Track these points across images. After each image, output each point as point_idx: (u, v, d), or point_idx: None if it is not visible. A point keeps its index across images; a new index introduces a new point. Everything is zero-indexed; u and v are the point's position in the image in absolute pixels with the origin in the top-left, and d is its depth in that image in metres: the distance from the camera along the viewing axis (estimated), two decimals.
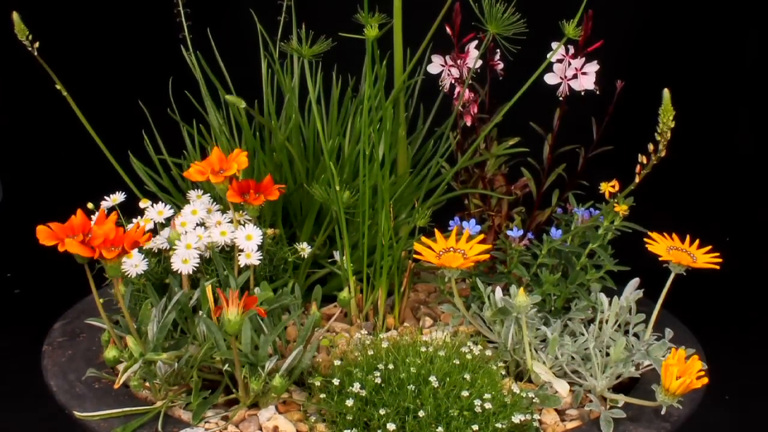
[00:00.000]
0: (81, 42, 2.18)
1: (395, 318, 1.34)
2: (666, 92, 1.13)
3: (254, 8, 1.45)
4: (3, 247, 1.96)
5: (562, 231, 1.29)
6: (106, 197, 1.29)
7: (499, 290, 1.23)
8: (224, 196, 1.23)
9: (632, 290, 1.25)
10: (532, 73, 1.22)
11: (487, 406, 1.05)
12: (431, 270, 1.42)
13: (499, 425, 1.05)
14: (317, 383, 1.10)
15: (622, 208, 1.25)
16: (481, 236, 1.21)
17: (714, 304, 1.79)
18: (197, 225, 1.24)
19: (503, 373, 1.16)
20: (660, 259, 1.20)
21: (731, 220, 2.11)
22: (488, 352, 1.17)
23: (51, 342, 1.30)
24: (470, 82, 1.32)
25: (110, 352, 1.13)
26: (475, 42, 1.33)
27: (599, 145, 1.35)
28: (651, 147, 1.16)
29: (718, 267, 1.19)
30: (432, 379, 1.07)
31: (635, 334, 1.26)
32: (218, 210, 1.27)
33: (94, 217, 1.13)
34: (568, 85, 1.31)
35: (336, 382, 1.09)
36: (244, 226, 1.23)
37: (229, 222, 1.25)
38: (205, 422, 1.11)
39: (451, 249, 1.17)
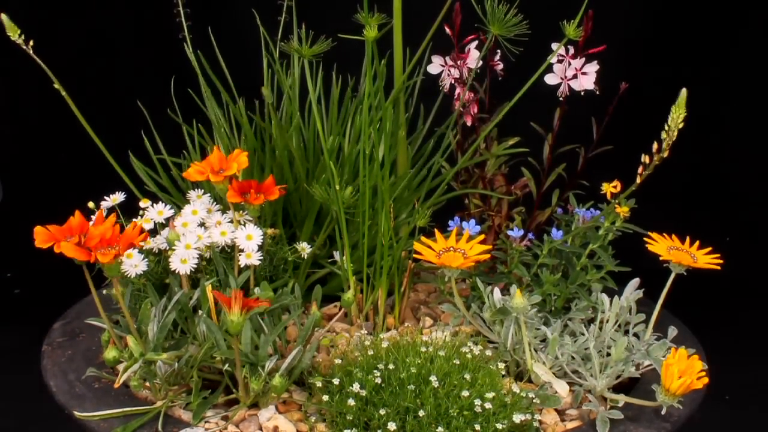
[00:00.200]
0: (81, 42, 2.18)
1: (395, 318, 1.34)
2: (683, 91, 1.12)
3: (254, 8, 1.45)
4: (3, 247, 1.95)
5: (562, 231, 1.29)
6: (106, 197, 1.29)
7: (497, 291, 1.23)
8: (224, 196, 1.23)
9: (632, 290, 1.25)
10: (532, 73, 1.22)
11: (488, 406, 1.05)
12: (431, 270, 1.42)
13: (499, 425, 1.05)
14: (317, 383, 1.10)
15: (623, 210, 1.25)
16: (482, 236, 1.21)
17: (714, 304, 1.79)
18: (197, 225, 1.24)
19: (503, 373, 1.16)
20: (661, 258, 1.20)
21: (731, 220, 2.10)
22: (488, 352, 1.17)
23: (51, 342, 1.30)
24: (468, 81, 1.32)
25: (110, 353, 1.13)
26: (476, 42, 1.33)
27: (599, 145, 1.35)
28: (655, 146, 1.15)
29: (719, 267, 1.19)
30: (432, 379, 1.07)
31: (635, 334, 1.26)
32: (218, 210, 1.27)
33: (93, 218, 1.13)
34: (568, 85, 1.31)
35: (336, 382, 1.09)
36: (244, 226, 1.23)
37: (229, 222, 1.25)
38: (205, 422, 1.11)
39: (451, 249, 1.17)
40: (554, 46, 1.26)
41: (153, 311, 1.14)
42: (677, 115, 1.13)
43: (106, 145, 1.33)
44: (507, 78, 1.36)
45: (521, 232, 1.28)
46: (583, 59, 1.30)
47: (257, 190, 1.24)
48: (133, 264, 1.18)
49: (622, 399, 1.16)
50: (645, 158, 1.17)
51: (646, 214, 1.29)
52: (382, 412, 1.05)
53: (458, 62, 1.34)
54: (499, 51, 1.36)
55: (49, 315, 1.38)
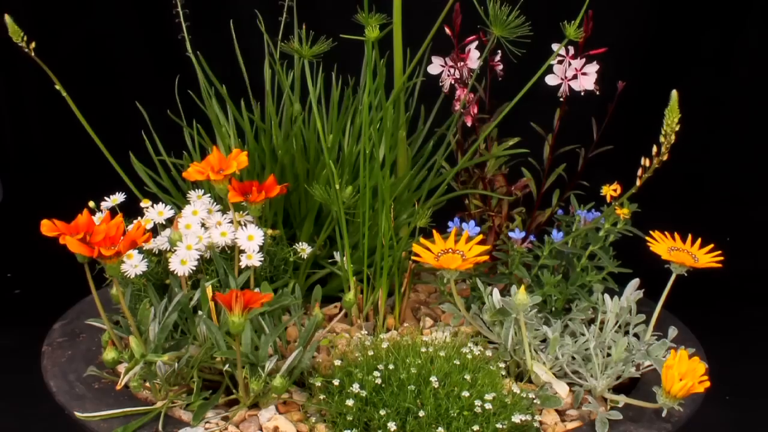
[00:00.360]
0: (81, 42, 2.18)
1: (395, 318, 1.34)
2: (674, 93, 1.13)
3: (255, 9, 1.45)
4: (3, 247, 1.96)
5: (563, 233, 1.29)
6: (106, 198, 1.29)
7: (496, 291, 1.23)
8: (224, 196, 1.23)
9: (632, 290, 1.25)
10: (532, 74, 1.22)
11: (488, 406, 1.05)
12: (431, 270, 1.42)
13: (499, 425, 1.05)
14: (317, 384, 1.10)
15: (624, 212, 1.25)
16: (480, 237, 1.21)
17: (714, 304, 1.79)
18: (199, 226, 1.24)
19: (503, 373, 1.16)
20: (663, 258, 1.20)
21: (731, 220, 2.10)
22: (488, 353, 1.17)
23: (51, 342, 1.30)
24: (471, 82, 1.32)
25: (109, 354, 1.13)
26: (476, 43, 1.33)
27: (599, 146, 1.35)
28: (654, 150, 1.15)
29: (720, 266, 1.18)
30: (432, 379, 1.07)
31: (635, 335, 1.26)
32: (218, 210, 1.27)
33: (95, 217, 1.13)
34: (569, 85, 1.31)
35: (336, 382, 1.09)
36: (244, 227, 1.23)
37: (229, 223, 1.25)
38: (206, 422, 1.11)
39: (450, 250, 1.17)
40: (555, 46, 1.26)
41: (153, 312, 1.14)
42: (671, 119, 1.14)
43: (106, 146, 1.33)
44: (507, 78, 1.36)
45: (522, 234, 1.28)
46: (584, 60, 1.30)
47: (258, 190, 1.24)
48: (133, 264, 1.18)
49: (622, 400, 1.16)
50: (645, 161, 1.17)
51: (646, 215, 1.29)
52: (382, 412, 1.05)
53: (458, 63, 1.34)
54: (499, 51, 1.36)
55: (49, 315, 1.38)
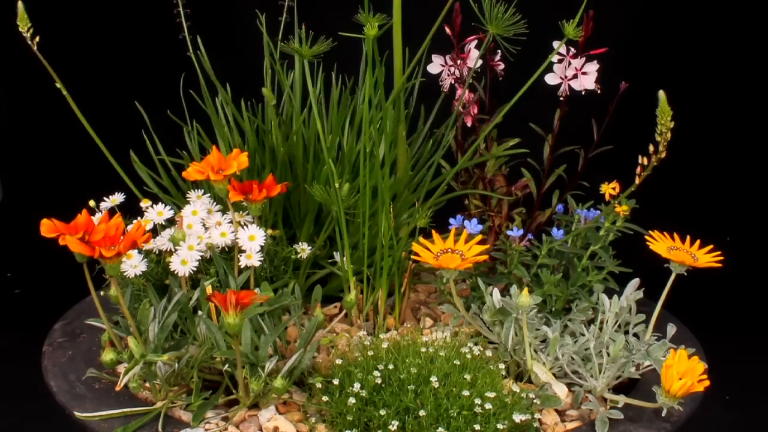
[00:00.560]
0: (81, 42, 2.18)
1: (395, 318, 1.34)
2: (661, 93, 1.13)
3: (255, 9, 1.45)
4: (3, 247, 1.95)
5: (563, 231, 1.29)
6: (105, 198, 1.29)
7: (496, 291, 1.23)
8: (224, 196, 1.23)
9: (632, 290, 1.25)
10: (531, 73, 1.22)
11: (488, 406, 1.05)
12: (431, 270, 1.42)
13: (499, 425, 1.05)
14: (317, 384, 1.10)
15: (623, 209, 1.25)
16: (479, 237, 1.21)
17: (714, 304, 1.79)
18: (200, 226, 1.24)
19: (503, 373, 1.16)
20: (663, 256, 1.20)
21: (731, 220, 2.10)
22: (488, 353, 1.17)
23: (51, 342, 1.30)
24: (470, 82, 1.32)
25: (107, 355, 1.13)
26: (475, 42, 1.33)
27: (599, 146, 1.35)
28: (651, 148, 1.15)
29: (720, 265, 1.18)
30: (432, 379, 1.07)
31: (635, 335, 1.26)
32: (218, 210, 1.27)
33: (95, 217, 1.13)
34: (569, 85, 1.31)
35: (336, 382, 1.09)
36: (245, 227, 1.23)
37: (229, 223, 1.25)
38: (206, 423, 1.11)
39: (449, 250, 1.17)
40: (555, 44, 1.26)
41: (153, 312, 1.14)
42: (664, 119, 1.14)
43: (106, 145, 1.33)
44: (507, 78, 1.36)
45: (521, 232, 1.28)
46: (584, 59, 1.30)
47: (259, 189, 1.24)
48: (133, 264, 1.18)
49: (622, 400, 1.16)
50: (643, 160, 1.17)
51: (646, 214, 1.29)
52: (382, 412, 1.05)
53: (458, 62, 1.34)
54: (499, 51, 1.36)
55: (49, 315, 1.38)
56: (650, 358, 1.17)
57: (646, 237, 1.21)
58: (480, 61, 1.32)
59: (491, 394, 1.07)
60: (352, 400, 1.05)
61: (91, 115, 1.33)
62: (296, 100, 1.42)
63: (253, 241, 1.21)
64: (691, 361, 1.08)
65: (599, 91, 1.31)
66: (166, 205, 1.27)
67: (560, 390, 1.17)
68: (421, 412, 1.04)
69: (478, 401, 1.05)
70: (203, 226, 1.24)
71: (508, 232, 1.28)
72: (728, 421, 1.51)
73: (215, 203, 1.28)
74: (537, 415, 1.11)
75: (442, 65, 1.35)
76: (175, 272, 1.18)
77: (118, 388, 1.14)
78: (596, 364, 1.17)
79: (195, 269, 1.18)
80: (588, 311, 1.26)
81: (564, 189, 1.37)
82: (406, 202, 1.39)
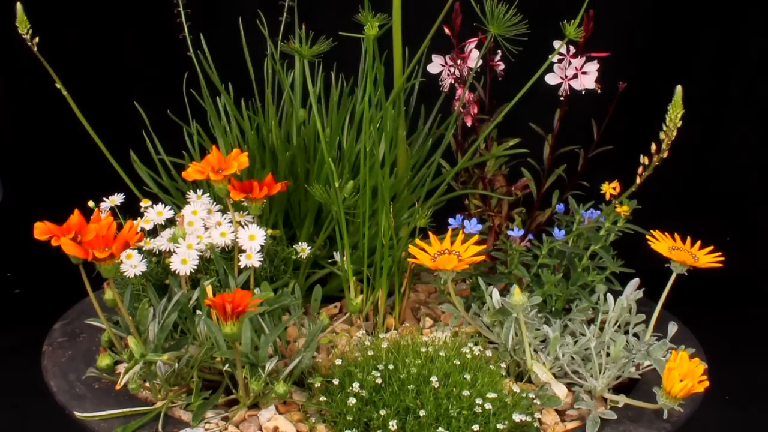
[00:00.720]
0: (81, 41, 2.18)
1: (395, 318, 1.34)
2: (678, 88, 1.12)
3: (255, 8, 1.45)
4: (3, 247, 1.95)
5: (564, 231, 1.29)
6: (105, 198, 1.29)
7: (495, 292, 1.23)
8: (224, 196, 1.23)
9: (632, 290, 1.25)
10: (531, 73, 1.22)
11: (488, 406, 1.05)
12: (431, 270, 1.42)
13: (499, 425, 1.05)
14: (317, 384, 1.10)
15: (623, 209, 1.25)
16: (476, 237, 1.20)
17: (714, 304, 1.79)
18: (200, 225, 1.24)
19: (503, 373, 1.16)
20: (664, 256, 1.20)
21: (731, 220, 2.11)
22: (488, 353, 1.17)
23: (51, 342, 1.30)
24: (471, 82, 1.32)
25: (103, 360, 1.12)
26: (476, 42, 1.33)
27: (599, 146, 1.35)
28: (654, 147, 1.15)
29: (721, 265, 1.18)
30: (432, 379, 1.07)
31: (635, 335, 1.26)
32: (218, 210, 1.27)
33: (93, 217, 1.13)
34: (569, 84, 1.31)
35: (336, 382, 1.09)
36: (245, 226, 1.23)
37: (229, 222, 1.25)
38: (206, 423, 1.11)
39: (446, 251, 1.17)
40: (556, 44, 1.26)
41: (153, 312, 1.14)
42: (675, 114, 1.13)
43: (106, 146, 1.33)
44: (507, 78, 1.36)
45: (521, 232, 1.28)
46: (584, 58, 1.30)
47: (260, 187, 1.23)
48: (133, 264, 1.18)
49: (622, 400, 1.16)
50: (644, 159, 1.17)
51: (646, 215, 1.29)
52: (382, 412, 1.05)
53: (458, 62, 1.34)
54: (499, 51, 1.36)
55: (49, 315, 1.38)
56: (650, 358, 1.17)
57: (648, 237, 1.21)
58: (480, 61, 1.32)
59: (492, 395, 1.07)
60: (352, 400, 1.05)
61: (91, 115, 1.33)
62: (296, 100, 1.42)
63: (253, 240, 1.21)
64: (692, 363, 1.08)
65: (599, 91, 1.31)
66: (166, 206, 1.27)
67: (560, 390, 1.17)
68: (421, 412, 1.04)
69: (478, 401, 1.05)
70: (203, 227, 1.24)
71: (509, 232, 1.28)
72: (728, 421, 1.52)
73: (215, 203, 1.28)
74: (537, 415, 1.11)
75: (442, 65, 1.35)
76: (176, 272, 1.18)
77: (118, 388, 1.14)
78: (596, 364, 1.17)
79: (195, 268, 1.18)
80: (588, 311, 1.26)
81: (564, 189, 1.37)
82: (406, 202, 1.39)
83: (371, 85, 1.21)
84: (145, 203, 1.29)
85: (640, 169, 1.18)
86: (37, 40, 1.24)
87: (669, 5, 2.16)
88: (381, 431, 1.04)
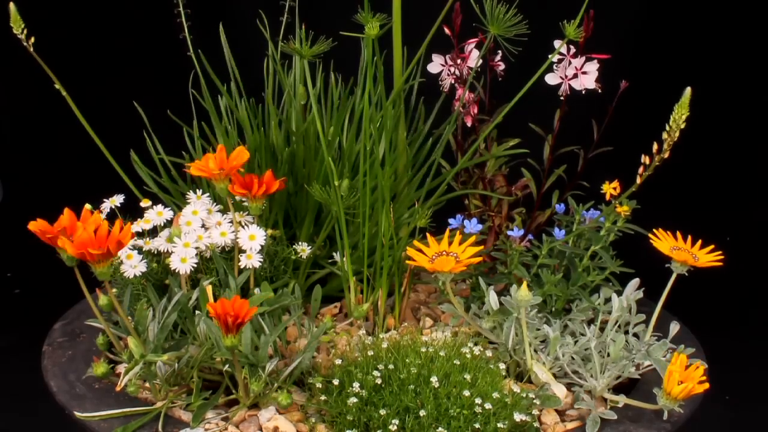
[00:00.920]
0: (81, 41, 2.18)
1: (395, 318, 1.34)
2: (688, 90, 1.11)
3: (256, 8, 1.45)
4: (3, 247, 1.95)
5: (564, 231, 1.29)
6: (105, 199, 1.29)
7: (493, 294, 1.22)
8: (225, 196, 1.23)
9: (632, 290, 1.25)
10: (531, 73, 1.22)
11: (488, 406, 1.05)
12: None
13: (500, 425, 1.05)
14: (317, 384, 1.10)
15: (623, 209, 1.25)
16: (473, 238, 1.20)
17: (714, 304, 1.79)
18: (199, 226, 1.24)
19: (503, 373, 1.16)
20: (665, 254, 1.20)
21: (731, 220, 2.10)
22: (488, 353, 1.17)
23: (51, 342, 1.30)
24: (471, 81, 1.32)
25: (98, 368, 1.12)
26: (476, 42, 1.33)
27: (599, 146, 1.35)
28: (655, 147, 1.15)
29: (721, 264, 1.18)
30: (432, 379, 1.07)
31: (635, 335, 1.26)
32: (218, 210, 1.27)
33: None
34: (569, 84, 1.31)
35: (336, 382, 1.09)
36: (246, 226, 1.23)
37: (229, 223, 1.25)
38: (206, 423, 1.11)
39: (444, 253, 1.16)
40: (557, 43, 1.26)
41: (152, 312, 1.14)
42: (679, 115, 1.12)
43: (106, 146, 1.33)
44: (507, 78, 1.36)
45: (521, 232, 1.28)
46: (584, 58, 1.30)
47: (259, 184, 1.23)
48: (133, 265, 1.18)
49: (622, 400, 1.16)
50: (645, 159, 1.17)
51: (646, 215, 1.29)
52: (382, 411, 1.05)
53: (458, 62, 1.34)
54: (500, 51, 1.36)
55: (49, 315, 1.38)
56: (650, 358, 1.17)
57: (650, 235, 1.21)
58: (480, 61, 1.32)
59: (495, 395, 1.07)
60: (352, 400, 1.05)
61: (91, 115, 1.33)
62: (297, 101, 1.42)
63: (253, 240, 1.21)
64: (691, 368, 1.08)
65: (600, 91, 1.31)
66: (166, 207, 1.27)
67: (559, 390, 1.17)
68: (421, 412, 1.04)
69: (478, 401, 1.05)
70: (202, 227, 1.24)
71: (509, 232, 1.28)
72: (728, 421, 1.52)
73: (215, 203, 1.28)
74: (536, 412, 1.11)
75: (442, 65, 1.35)
76: (176, 271, 1.18)
77: (118, 388, 1.14)
78: (596, 364, 1.17)
79: (194, 267, 1.18)
80: (588, 311, 1.26)
81: (564, 189, 1.37)
82: (406, 202, 1.39)
83: (371, 83, 1.21)
84: (145, 203, 1.29)
85: (640, 169, 1.18)
86: (32, 40, 1.24)
87: (670, 5, 2.16)
88: (381, 431, 1.04)
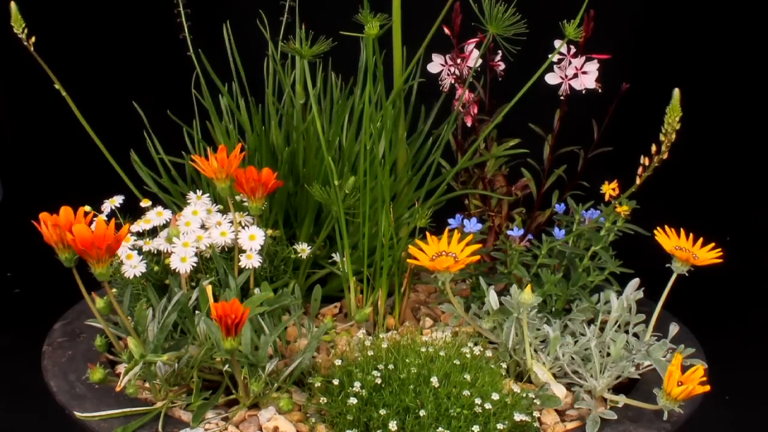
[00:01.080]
0: (81, 42, 2.18)
1: (395, 318, 1.34)
2: (676, 91, 1.12)
3: (256, 8, 1.45)
4: (3, 247, 1.96)
5: (564, 231, 1.29)
6: (104, 200, 1.29)
7: (493, 295, 1.22)
8: (225, 195, 1.23)
9: (632, 290, 1.25)
10: (531, 73, 1.22)
11: (488, 406, 1.05)
12: (430, 271, 1.42)
13: (500, 425, 1.05)
14: (317, 384, 1.10)
15: (623, 209, 1.25)
16: (470, 236, 1.20)
17: (714, 304, 1.79)
18: (199, 226, 1.24)
19: (504, 373, 1.16)
20: (666, 250, 1.20)
21: (731, 220, 2.10)
22: (488, 353, 1.17)
23: (51, 342, 1.30)
24: (471, 81, 1.32)
25: (95, 374, 1.12)
26: (476, 41, 1.33)
27: (599, 146, 1.35)
28: (654, 148, 1.15)
29: (721, 261, 1.18)
30: (432, 379, 1.07)
31: (635, 335, 1.26)
32: (218, 211, 1.27)
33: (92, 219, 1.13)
34: (569, 84, 1.31)
35: (336, 382, 1.09)
36: (245, 227, 1.23)
37: (229, 223, 1.25)
38: (206, 423, 1.11)
39: (444, 253, 1.17)
40: (557, 43, 1.26)
41: (152, 312, 1.14)
42: (672, 118, 1.13)
43: (106, 146, 1.33)
44: (507, 78, 1.36)
45: (521, 232, 1.28)
46: (584, 58, 1.30)
47: (258, 180, 1.23)
48: (133, 265, 1.18)
49: (621, 400, 1.16)
50: (644, 160, 1.17)
51: (646, 215, 1.29)
52: (382, 411, 1.05)
53: (458, 62, 1.34)
54: (500, 51, 1.36)
55: (49, 315, 1.38)
56: (650, 358, 1.17)
57: (655, 232, 1.21)
58: (480, 61, 1.32)
59: (495, 396, 1.07)
60: (352, 400, 1.05)
61: (91, 116, 1.33)
62: (296, 100, 1.42)
63: (253, 240, 1.21)
64: (690, 371, 1.08)
65: (600, 91, 1.31)
66: (166, 208, 1.27)
67: (559, 390, 1.17)
68: (422, 412, 1.04)
69: (478, 401, 1.05)
70: (202, 227, 1.24)
71: (509, 232, 1.28)
72: (728, 421, 1.52)
73: (215, 204, 1.28)
74: (536, 413, 1.11)
75: (442, 65, 1.35)
76: (176, 270, 1.18)
77: (118, 389, 1.14)
78: (596, 364, 1.17)
79: (194, 266, 1.18)
80: (588, 311, 1.26)
81: (564, 189, 1.37)
82: (406, 202, 1.39)
83: (371, 82, 1.21)
84: (145, 203, 1.29)
85: (639, 170, 1.18)
86: (33, 39, 1.24)
87: (670, 5, 2.16)
88: (381, 431, 1.04)
